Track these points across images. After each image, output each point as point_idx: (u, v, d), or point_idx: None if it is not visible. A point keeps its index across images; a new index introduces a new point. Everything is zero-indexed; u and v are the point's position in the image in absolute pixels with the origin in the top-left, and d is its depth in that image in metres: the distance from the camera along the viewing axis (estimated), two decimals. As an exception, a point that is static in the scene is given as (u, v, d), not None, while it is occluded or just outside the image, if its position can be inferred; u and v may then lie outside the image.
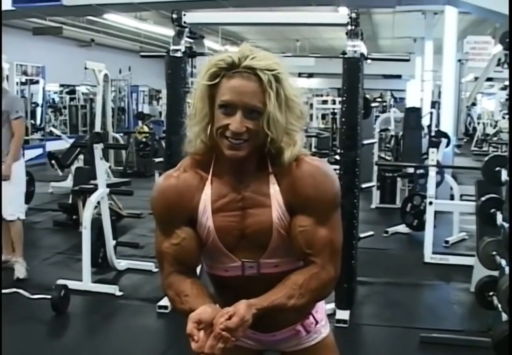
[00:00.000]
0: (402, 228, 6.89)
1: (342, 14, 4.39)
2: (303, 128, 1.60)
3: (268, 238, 1.58)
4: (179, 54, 4.17)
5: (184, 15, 4.26)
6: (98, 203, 4.94)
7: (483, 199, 4.02)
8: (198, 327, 1.47)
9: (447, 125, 8.84)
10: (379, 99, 20.64)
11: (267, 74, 1.47)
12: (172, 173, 1.63)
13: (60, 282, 4.53)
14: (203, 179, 1.60)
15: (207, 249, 1.63)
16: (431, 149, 6.04)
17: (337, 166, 4.07)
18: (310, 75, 21.74)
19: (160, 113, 16.54)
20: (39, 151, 13.08)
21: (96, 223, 4.92)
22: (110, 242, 5.00)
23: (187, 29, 4.26)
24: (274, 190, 1.57)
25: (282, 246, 1.59)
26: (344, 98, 4.10)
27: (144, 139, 11.92)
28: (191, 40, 4.45)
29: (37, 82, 14.51)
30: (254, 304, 1.51)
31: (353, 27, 4.03)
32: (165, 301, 4.28)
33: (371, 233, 4.57)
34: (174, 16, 4.24)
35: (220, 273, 1.66)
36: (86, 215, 4.68)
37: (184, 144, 1.64)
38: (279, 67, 1.49)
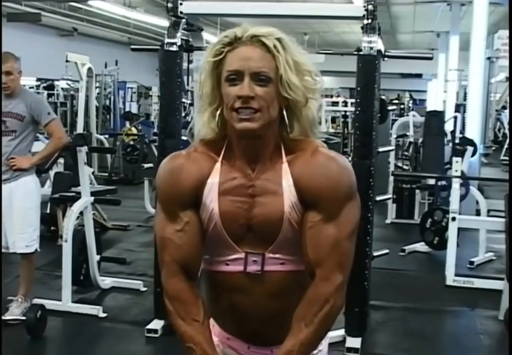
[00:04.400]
0: (421, 246, 6.92)
1: (358, 6, 4.43)
2: (320, 96, 1.71)
3: (277, 229, 1.64)
4: (174, 48, 4.22)
5: (181, 4, 4.30)
6: (81, 213, 4.98)
7: (512, 214, 4.06)
8: None
9: (473, 131, 8.90)
10: (396, 101, 20.76)
11: (271, 39, 1.60)
12: (181, 153, 1.74)
13: (36, 301, 4.55)
14: (213, 161, 1.68)
15: (209, 238, 1.69)
16: (454, 159, 6.08)
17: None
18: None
19: (147, 113, 16.66)
20: (12, 154, 13.09)
21: (78, 236, 4.95)
22: (93, 257, 5.03)
23: (183, 20, 4.31)
24: (287, 179, 1.64)
25: (291, 240, 1.66)
26: (357, 100, 4.15)
27: (132, 142, 11.97)
28: (188, 33, 4.51)
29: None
30: None
31: (369, 21, 4.08)
32: (154, 324, 4.32)
33: (386, 251, 4.60)
34: (169, 5, 4.28)
35: (219, 268, 1.71)
36: (68, 227, 4.72)
37: (193, 132, 1.73)
38: (282, 34, 1.63)
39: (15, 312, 4.43)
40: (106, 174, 11.36)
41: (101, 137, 11.81)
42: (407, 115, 12.28)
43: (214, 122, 1.66)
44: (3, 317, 4.32)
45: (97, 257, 5.14)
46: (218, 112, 1.65)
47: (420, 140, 9.14)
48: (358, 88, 4.11)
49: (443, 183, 7.01)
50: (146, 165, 9.02)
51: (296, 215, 1.64)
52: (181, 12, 4.29)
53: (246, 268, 1.68)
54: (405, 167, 11.14)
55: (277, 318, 1.71)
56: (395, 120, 10.78)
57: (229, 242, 1.67)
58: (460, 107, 12.90)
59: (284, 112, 1.64)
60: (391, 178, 8.18)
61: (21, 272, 4.59)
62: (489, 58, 10.94)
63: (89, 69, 10.47)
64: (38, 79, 17.52)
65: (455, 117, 10.20)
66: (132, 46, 4.96)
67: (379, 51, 4.06)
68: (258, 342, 1.77)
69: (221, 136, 1.68)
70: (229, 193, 1.65)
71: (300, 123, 1.66)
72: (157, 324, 4.32)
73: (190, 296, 1.70)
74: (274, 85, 1.60)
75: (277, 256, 1.68)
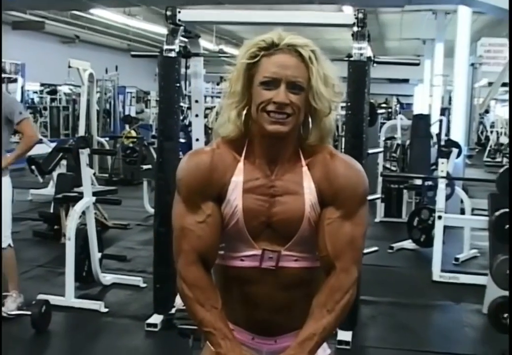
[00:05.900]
0: (408, 244, 6.93)
1: (348, 14, 4.44)
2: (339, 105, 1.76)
3: (296, 227, 1.67)
4: (173, 54, 4.21)
5: (179, 12, 4.30)
6: (83, 212, 4.96)
7: (497, 213, 4.07)
8: None
9: (458, 133, 8.90)
10: (385, 105, 20.75)
11: (307, 50, 1.63)
12: (204, 149, 1.74)
13: (41, 297, 4.55)
14: (236, 160, 1.70)
15: (227, 233, 1.71)
16: (440, 160, 6.10)
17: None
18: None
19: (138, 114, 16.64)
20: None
21: (81, 234, 4.95)
22: (95, 255, 5.03)
23: (181, 28, 4.30)
24: (309, 181, 1.68)
25: (307, 238, 1.69)
26: (348, 104, 4.15)
27: (131, 145, 11.94)
28: (186, 40, 4.51)
29: (15, 80, 14.52)
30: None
31: (359, 28, 4.09)
32: (154, 319, 4.31)
33: (375, 248, 4.61)
34: (168, 13, 4.28)
35: (234, 263, 1.73)
36: (70, 226, 4.71)
37: (215, 127, 1.73)
38: (315, 47, 1.66)
39: (10, 306, 4.39)
40: (107, 175, 11.35)
41: (102, 140, 11.81)
42: (395, 118, 12.28)
43: (240, 120, 1.67)
44: None
45: (99, 255, 5.14)
46: (245, 111, 1.66)
47: (407, 142, 9.15)
48: (349, 93, 4.11)
49: (430, 183, 7.01)
50: (145, 167, 9.00)
51: (315, 214, 1.68)
52: (179, 20, 4.28)
53: (262, 264, 1.70)
54: (393, 168, 11.13)
55: (287, 308, 1.73)
56: (384, 123, 10.79)
57: (248, 238, 1.69)
58: (445, 111, 12.87)
59: (310, 119, 1.67)
60: (380, 179, 8.18)
61: (3, 268, 4.42)
62: (472, 64, 10.96)
63: (90, 74, 10.46)
64: (42, 85, 17.50)
65: (441, 121, 10.21)
66: (133, 53, 4.97)
67: (368, 57, 4.07)
68: (263, 333, 1.78)
69: (242, 135, 1.69)
70: (252, 192, 1.67)
71: (318, 130, 1.69)
72: (156, 319, 4.32)
73: (208, 284, 1.71)
74: (304, 93, 1.63)
75: (292, 253, 1.70)
